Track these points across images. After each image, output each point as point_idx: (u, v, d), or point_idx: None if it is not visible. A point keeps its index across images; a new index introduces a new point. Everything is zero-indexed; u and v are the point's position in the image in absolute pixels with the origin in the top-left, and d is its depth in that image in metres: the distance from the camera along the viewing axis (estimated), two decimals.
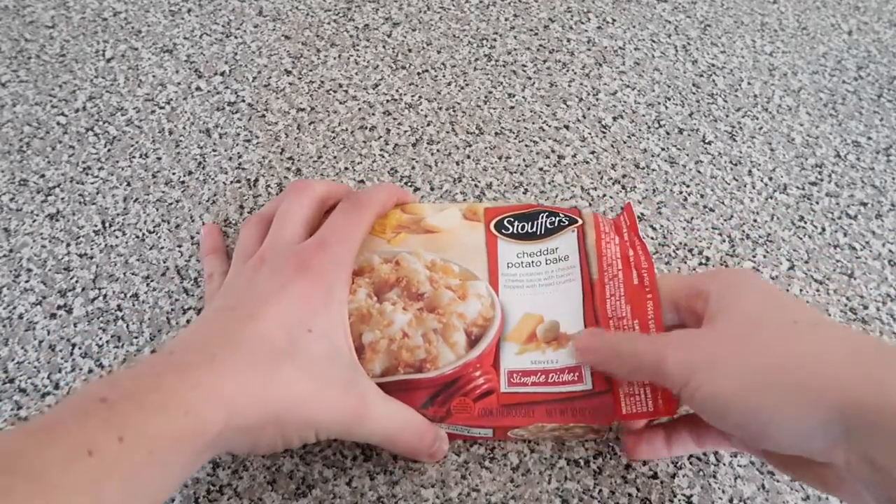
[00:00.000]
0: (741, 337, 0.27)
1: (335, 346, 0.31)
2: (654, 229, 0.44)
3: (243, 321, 0.29)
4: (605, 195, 0.46)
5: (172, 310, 0.39)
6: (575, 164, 0.47)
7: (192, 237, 0.42)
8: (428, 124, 0.49)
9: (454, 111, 0.50)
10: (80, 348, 0.38)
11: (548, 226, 0.38)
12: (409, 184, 0.46)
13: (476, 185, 0.46)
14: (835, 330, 0.27)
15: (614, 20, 0.58)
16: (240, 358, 0.27)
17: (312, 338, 0.30)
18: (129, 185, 0.45)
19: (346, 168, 0.46)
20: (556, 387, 0.33)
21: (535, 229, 0.38)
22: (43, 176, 0.45)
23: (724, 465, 0.35)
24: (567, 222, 0.38)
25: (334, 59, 0.53)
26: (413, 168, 0.46)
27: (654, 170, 0.47)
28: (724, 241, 0.44)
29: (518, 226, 0.38)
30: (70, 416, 0.23)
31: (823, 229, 0.45)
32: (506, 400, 0.33)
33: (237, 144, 0.47)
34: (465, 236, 0.38)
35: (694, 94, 0.53)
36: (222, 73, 0.52)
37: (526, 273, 0.37)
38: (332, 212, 0.36)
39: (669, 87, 0.53)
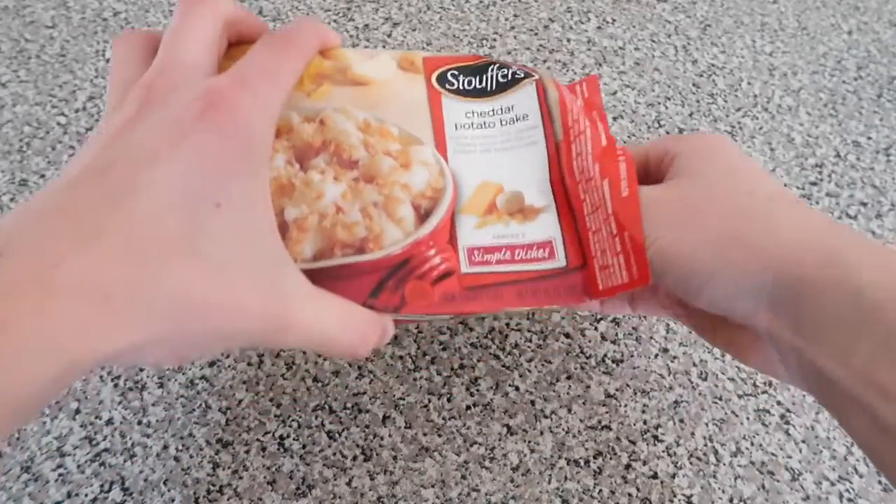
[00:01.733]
0: (698, 202, 0.27)
1: (254, 228, 0.22)
2: None
3: (116, 196, 0.19)
4: None
5: None
6: None
7: None
8: None
9: None
10: None
11: (500, 79, 0.33)
12: None
13: None
14: (788, 204, 0.27)
15: (614, 20, 0.58)
16: (102, 264, 0.18)
17: (221, 216, 0.21)
18: None
19: None
20: (526, 264, 0.29)
21: (484, 84, 0.32)
22: (43, 176, 0.45)
23: (724, 465, 0.35)
24: (522, 75, 0.33)
25: None
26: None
27: None
28: None
29: (464, 80, 0.32)
30: None
31: None
32: (469, 282, 0.28)
33: None
34: (403, 91, 0.31)
35: (694, 94, 0.53)
36: None
37: (479, 136, 0.31)
38: (252, 46, 0.26)
39: (669, 87, 0.53)
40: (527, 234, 0.29)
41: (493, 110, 0.32)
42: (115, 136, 0.21)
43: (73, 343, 0.17)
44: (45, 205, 0.19)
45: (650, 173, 0.31)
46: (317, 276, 0.25)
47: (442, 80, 0.32)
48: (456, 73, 0.33)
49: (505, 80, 0.32)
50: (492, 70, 0.33)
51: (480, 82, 0.32)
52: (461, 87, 0.32)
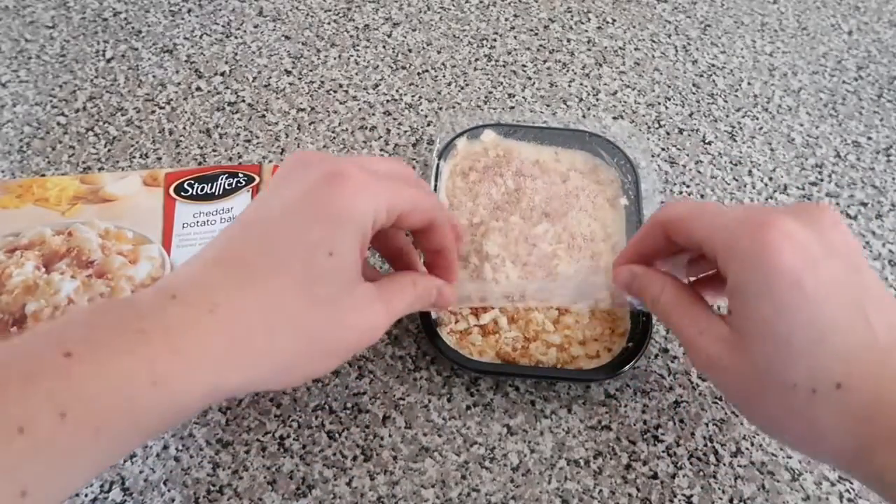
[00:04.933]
0: (749, 384, 0.28)
1: (353, 270, 0.28)
2: None
3: (258, 249, 0.26)
4: None
5: None
6: None
7: None
8: (428, 124, 0.49)
9: (454, 111, 0.50)
10: None
11: (226, 186, 0.41)
12: None
13: None
14: (829, 394, 0.25)
15: (614, 20, 0.58)
16: (245, 310, 0.25)
17: (331, 260, 0.27)
18: None
19: None
20: None
21: (213, 190, 0.41)
22: (43, 176, 0.45)
23: (724, 465, 0.35)
24: (245, 182, 0.42)
25: (334, 59, 0.53)
26: (413, 168, 0.46)
27: (654, 170, 0.47)
28: None
29: (198, 187, 0.41)
30: (15, 378, 0.21)
31: None
32: None
33: (237, 144, 0.47)
34: (143, 202, 0.40)
35: (694, 94, 0.53)
36: (222, 73, 0.52)
37: (199, 231, 0.40)
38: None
39: (669, 87, 0.53)
40: None
41: (215, 210, 0.41)
42: (266, 195, 0.28)
43: (216, 372, 0.24)
44: (211, 255, 0.26)
45: (682, 245, 0.31)
46: None
47: (179, 189, 0.41)
48: (192, 182, 0.42)
49: (230, 187, 0.41)
50: (221, 178, 0.42)
51: (211, 188, 0.41)
52: (194, 193, 0.41)
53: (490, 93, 0.51)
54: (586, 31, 0.57)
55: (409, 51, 0.54)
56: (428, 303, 0.33)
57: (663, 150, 0.49)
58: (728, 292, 0.28)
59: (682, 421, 0.37)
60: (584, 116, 0.50)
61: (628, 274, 0.34)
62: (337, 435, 0.36)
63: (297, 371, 0.27)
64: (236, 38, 0.54)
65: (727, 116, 0.51)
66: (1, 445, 0.20)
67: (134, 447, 0.24)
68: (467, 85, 0.52)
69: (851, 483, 0.35)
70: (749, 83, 0.54)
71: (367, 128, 0.49)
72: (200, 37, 0.54)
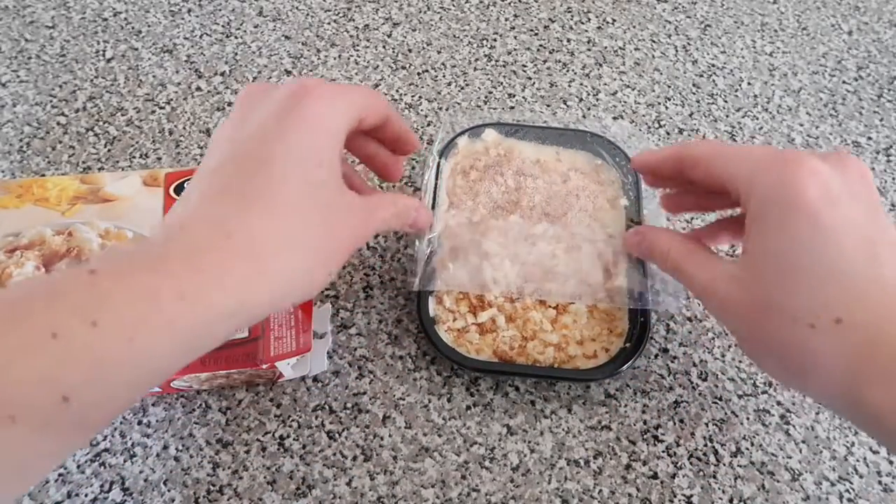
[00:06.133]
0: (760, 313, 0.28)
1: (339, 181, 0.29)
2: None
3: (252, 174, 0.27)
4: None
5: None
6: None
7: None
8: (428, 124, 0.49)
9: (454, 110, 0.50)
10: None
11: None
12: (409, 184, 0.46)
13: None
14: (831, 334, 0.26)
15: (614, 20, 0.58)
16: (261, 231, 0.25)
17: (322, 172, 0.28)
18: None
19: None
20: None
21: None
22: (43, 176, 0.45)
23: (724, 465, 0.35)
24: None
25: (334, 59, 0.53)
26: (413, 168, 0.46)
27: None
28: None
29: None
30: (43, 291, 0.21)
31: None
32: None
33: None
34: (144, 202, 0.40)
35: (694, 94, 0.53)
36: (222, 74, 0.52)
37: None
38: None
39: (669, 87, 0.53)
40: None
41: None
42: (235, 122, 0.29)
43: (240, 291, 0.24)
44: (206, 189, 0.26)
45: (697, 181, 0.32)
46: None
47: (179, 189, 0.40)
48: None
49: None
50: None
51: None
52: None
53: (490, 93, 0.51)
54: (586, 31, 0.57)
55: (409, 51, 0.54)
56: (406, 222, 0.34)
57: None
58: (746, 226, 0.29)
59: (682, 421, 0.37)
60: (584, 116, 0.50)
61: (636, 235, 0.36)
62: (337, 435, 0.36)
63: (306, 286, 0.28)
64: (236, 38, 0.54)
65: (727, 116, 0.51)
66: (36, 350, 0.20)
67: (174, 366, 0.24)
68: (467, 85, 0.52)
69: (851, 483, 0.35)
70: (749, 83, 0.54)
71: None
72: (200, 37, 0.54)
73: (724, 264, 0.30)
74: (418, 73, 0.52)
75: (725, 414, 0.37)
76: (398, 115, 0.34)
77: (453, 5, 0.58)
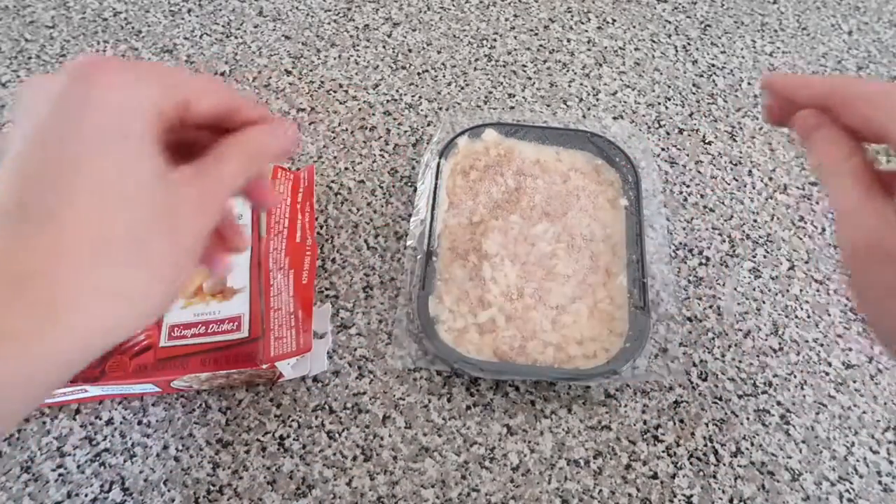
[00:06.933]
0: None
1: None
2: (654, 229, 0.44)
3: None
4: None
5: None
6: None
7: None
8: (428, 124, 0.49)
9: (454, 110, 0.50)
10: None
11: None
12: (410, 184, 0.46)
13: None
14: None
15: (614, 20, 0.58)
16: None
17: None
18: None
19: (346, 168, 0.46)
20: (215, 336, 0.35)
21: None
22: None
23: (724, 465, 0.35)
24: None
25: (334, 59, 0.53)
26: (413, 168, 0.46)
27: (654, 170, 0.47)
28: (725, 241, 0.44)
29: None
30: None
31: (823, 229, 0.45)
32: (163, 354, 0.35)
33: None
34: None
35: (694, 94, 0.53)
36: (222, 74, 0.52)
37: None
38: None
39: (669, 87, 0.53)
40: (222, 311, 0.36)
41: None
42: (15, 132, 0.23)
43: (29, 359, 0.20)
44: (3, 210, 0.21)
45: (847, 119, 0.28)
46: None
47: None
48: None
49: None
50: None
51: None
52: None
53: (490, 93, 0.51)
54: (586, 31, 0.57)
55: (409, 51, 0.54)
56: (267, 156, 0.27)
57: (663, 150, 0.49)
58: None
59: (682, 421, 0.37)
60: (584, 116, 0.50)
61: (815, 121, 0.30)
62: (337, 435, 0.36)
63: (139, 317, 0.22)
64: (236, 38, 0.54)
65: (727, 116, 0.51)
66: None
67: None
68: (467, 85, 0.52)
69: (851, 483, 0.35)
70: (749, 83, 0.54)
71: (367, 128, 0.49)
72: (200, 37, 0.54)
73: (890, 202, 0.26)
74: (418, 73, 0.52)
75: (725, 414, 0.37)
76: (253, 104, 0.27)
77: (453, 5, 0.58)
